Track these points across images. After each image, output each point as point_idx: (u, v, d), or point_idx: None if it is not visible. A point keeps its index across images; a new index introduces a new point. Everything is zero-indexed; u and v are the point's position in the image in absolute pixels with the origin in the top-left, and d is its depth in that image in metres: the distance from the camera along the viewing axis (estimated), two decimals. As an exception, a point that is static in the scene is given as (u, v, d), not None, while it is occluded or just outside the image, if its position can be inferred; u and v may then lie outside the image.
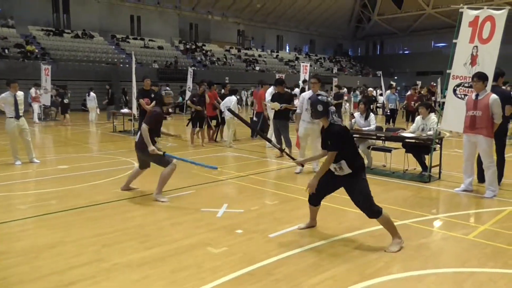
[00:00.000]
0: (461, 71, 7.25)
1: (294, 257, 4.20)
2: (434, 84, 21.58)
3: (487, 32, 6.94)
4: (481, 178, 7.09)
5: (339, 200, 6.30)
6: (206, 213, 5.66)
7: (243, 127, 14.28)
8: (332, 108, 4.59)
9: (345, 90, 29.43)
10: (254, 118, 13.06)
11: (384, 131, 9.16)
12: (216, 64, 38.06)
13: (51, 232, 4.92)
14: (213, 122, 13.03)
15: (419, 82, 27.16)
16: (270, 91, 11.94)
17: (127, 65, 29.30)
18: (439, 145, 7.81)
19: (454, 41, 7.33)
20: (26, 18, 31.92)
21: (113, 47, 34.62)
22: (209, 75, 29.94)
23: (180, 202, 6.16)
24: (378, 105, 25.29)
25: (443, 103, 7.60)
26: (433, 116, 8.11)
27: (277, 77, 13.84)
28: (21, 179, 7.90)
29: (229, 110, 7.11)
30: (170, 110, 23.17)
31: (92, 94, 20.45)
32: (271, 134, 11.64)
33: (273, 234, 4.84)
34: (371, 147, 8.75)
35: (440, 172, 7.86)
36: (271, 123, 11.33)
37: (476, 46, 7.06)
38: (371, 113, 9.00)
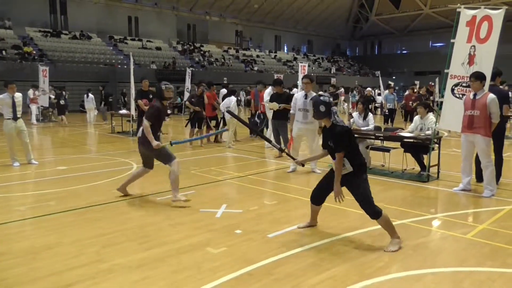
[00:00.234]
0: (459, 71, 7.27)
1: (293, 257, 4.21)
2: (432, 84, 21.57)
3: (485, 31, 6.96)
4: (479, 177, 7.10)
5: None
6: (205, 214, 5.66)
7: (243, 127, 14.31)
8: (335, 109, 4.59)
9: (342, 89, 29.45)
10: (256, 119, 13.00)
11: (382, 131, 9.17)
12: (214, 64, 38.04)
13: (50, 233, 4.92)
14: (213, 123, 13.03)
15: (417, 82, 27.23)
16: (268, 91, 11.95)
17: (125, 66, 29.29)
18: (437, 145, 7.83)
19: (451, 40, 7.34)
20: (24, 19, 31.86)
21: (111, 48, 34.58)
22: (207, 75, 29.90)
23: (179, 203, 6.15)
24: (376, 105, 25.31)
25: (441, 102, 7.62)
26: (431, 116, 8.12)
27: (275, 78, 13.84)
28: (19, 181, 7.90)
29: (228, 111, 7.09)
30: (168, 110, 23.19)
31: (90, 95, 20.45)
32: (269, 134, 11.65)
33: (272, 234, 4.84)
34: (370, 146, 8.76)
35: (438, 172, 7.87)
36: (269, 123, 11.33)
37: (474, 46, 7.08)
38: (369, 113, 9.01)
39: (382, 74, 30.26)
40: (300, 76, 17.90)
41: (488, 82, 6.68)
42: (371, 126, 8.75)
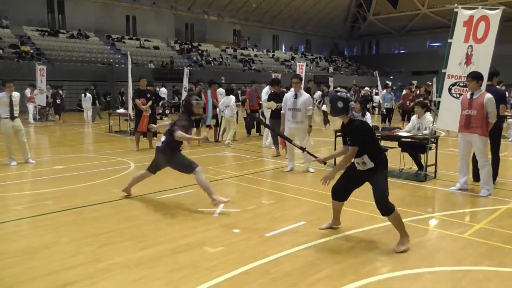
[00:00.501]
0: (456, 71, 7.28)
1: (290, 256, 4.21)
2: (430, 84, 21.62)
3: (482, 31, 6.97)
4: (476, 177, 7.12)
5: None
6: (202, 213, 5.66)
7: (242, 127, 14.32)
8: (352, 104, 4.53)
9: (338, 89, 29.39)
10: (264, 119, 12.93)
11: (380, 130, 9.17)
12: (212, 64, 38.02)
13: (47, 232, 4.91)
14: (213, 122, 13.00)
15: (414, 82, 27.23)
16: (266, 90, 11.95)
17: (123, 65, 29.25)
18: (434, 144, 7.84)
19: (449, 40, 7.36)
20: (21, 18, 31.78)
21: (109, 47, 34.53)
22: (205, 75, 29.89)
23: (177, 202, 6.15)
24: (374, 104, 25.36)
25: (439, 102, 7.63)
26: (428, 115, 8.14)
27: (273, 77, 13.84)
28: (16, 180, 7.88)
29: (257, 119, 6.92)
30: (166, 111, 23.19)
31: (88, 94, 20.39)
32: (267, 133, 11.66)
33: (270, 234, 4.85)
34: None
35: (435, 171, 7.89)
36: (266, 122, 11.32)
37: (471, 46, 7.10)
38: (367, 113, 9.02)
39: (380, 74, 30.20)
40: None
41: (485, 82, 6.69)
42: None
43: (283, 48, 53.00)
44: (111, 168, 8.69)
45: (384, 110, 16.83)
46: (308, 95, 8.53)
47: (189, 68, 26.65)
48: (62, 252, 4.31)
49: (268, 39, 51.25)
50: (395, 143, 8.59)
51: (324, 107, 17.63)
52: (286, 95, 8.61)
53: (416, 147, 8.02)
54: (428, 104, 12.22)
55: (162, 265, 3.99)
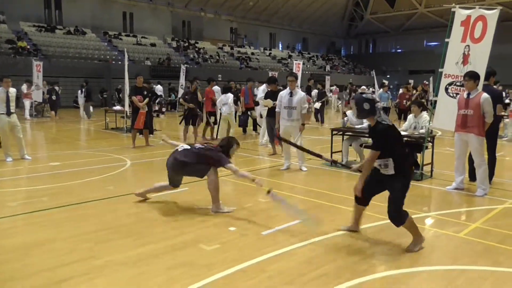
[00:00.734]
0: (453, 70, 7.30)
1: (286, 254, 4.22)
2: (427, 83, 21.68)
3: (479, 31, 6.99)
4: (472, 176, 7.13)
5: (332, 198, 6.34)
6: (199, 211, 5.66)
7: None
8: (379, 105, 4.35)
9: (333, 87, 29.49)
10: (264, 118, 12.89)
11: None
12: (209, 61, 37.96)
13: (42, 229, 4.90)
14: (212, 119, 12.97)
15: (411, 81, 27.30)
16: (262, 88, 11.94)
17: (120, 62, 29.13)
18: (431, 143, 7.86)
19: (446, 40, 7.37)
20: (18, 14, 31.61)
21: (106, 44, 34.40)
22: (201, 72, 29.81)
23: (173, 200, 6.14)
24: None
25: (435, 101, 7.65)
26: (425, 115, 8.15)
27: (270, 75, 13.83)
28: (12, 176, 7.85)
29: (283, 139, 6.72)
30: (163, 109, 23.15)
31: (84, 91, 20.33)
32: (264, 131, 11.65)
33: (266, 232, 4.85)
34: (364, 145, 8.76)
35: (432, 170, 7.91)
36: (263, 121, 11.31)
37: (468, 45, 7.12)
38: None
39: (377, 73, 30.29)
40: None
41: (482, 81, 6.71)
42: (365, 124, 8.76)
43: (280, 46, 52.93)
44: (107, 165, 8.66)
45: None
46: (303, 93, 8.55)
47: (185, 65, 26.61)
48: (58, 248, 4.30)
49: (265, 37, 51.18)
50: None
51: (317, 105, 17.63)
52: (281, 93, 8.59)
53: (412, 146, 7.98)
54: (425, 103, 12.27)
55: (159, 263, 3.99)
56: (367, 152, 8.98)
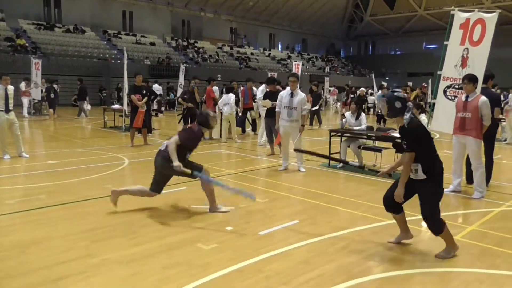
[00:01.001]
0: (452, 73, 7.32)
1: (283, 255, 4.22)
2: (425, 85, 21.71)
3: (478, 34, 7.01)
4: (469, 179, 7.14)
5: (330, 199, 6.34)
6: (196, 210, 5.66)
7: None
8: (410, 104, 4.22)
9: (332, 88, 29.49)
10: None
11: (374, 130, 9.20)
12: (208, 61, 37.97)
13: (39, 227, 4.90)
14: None
15: (410, 83, 27.35)
16: (262, 88, 11.95)
17: (119, 61, 29.15)
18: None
19: (445, 42, 7.40)
20: (17, 12, 31.57)
21: (105, 42, 34.38)
22: (201, 72, 29.83)
23: (170, 199, 6.14)
24: (369, 105, 25.42)
25: (434, 104, 7.66)
26: (423, 117, 8.18)
27: (269, 76, 13.84)
28: (9, 174, 7.84)
29: (300, 150, 6.65)
30: (162, 108, 23.14)
31: (83, 89, 20.31)
32: (262, 132, 11.65)
33: (263, 232, 4.85)
34: (362, 146, 8.79)
35: (429, 173, 7.90)
36: (262, 121, 11.31)
37: (467, 48, 7.14)
38: (362, 113, 9.05)
39: (376, 75, 30.33)
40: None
41: (480, 84, 6.72)
42: (363, 126, 8.79)
43: (280, 47, 52.98)
44: (105, 164, 8.66)
45: (379, 111, 16.84)
46: (304, 94, 8.54)
47: (185, 65, 26.61)
48: (55, 246, 4.30)
49: (265, 37, 51.21)
50: (389, 144, 8.61)
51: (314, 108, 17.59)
52: (281, 93, 8.58)
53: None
54: (423, 105, 12.27)
55: (156, 262, 3.99)
56: (365, 154, 9.04)
